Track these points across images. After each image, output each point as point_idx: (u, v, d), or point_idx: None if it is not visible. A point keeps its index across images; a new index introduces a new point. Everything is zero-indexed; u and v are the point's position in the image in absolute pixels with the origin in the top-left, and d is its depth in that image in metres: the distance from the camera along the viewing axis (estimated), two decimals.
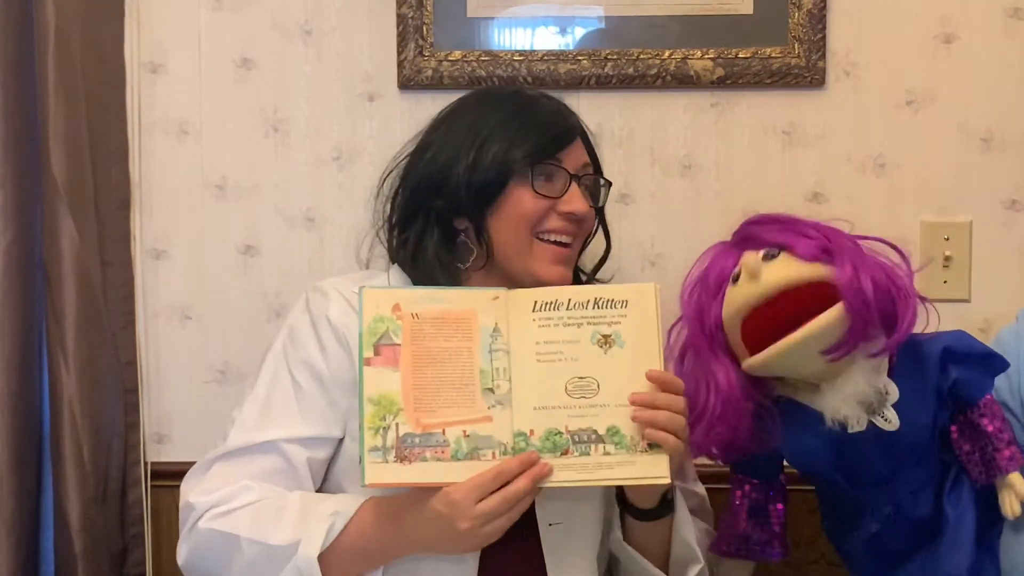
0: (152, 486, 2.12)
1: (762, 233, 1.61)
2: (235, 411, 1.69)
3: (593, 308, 1.56)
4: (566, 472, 1.52)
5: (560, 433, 1.53)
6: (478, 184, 1.66)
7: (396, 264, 1.75)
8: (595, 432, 1.53)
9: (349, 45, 2.10)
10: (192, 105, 2.12)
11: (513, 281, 1.65)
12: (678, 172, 2.08)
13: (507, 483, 1.49)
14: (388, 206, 1.76)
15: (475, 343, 1.54)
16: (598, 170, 1.76)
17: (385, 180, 1.77)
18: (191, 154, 2.12)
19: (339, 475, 1.68)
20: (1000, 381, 1.71)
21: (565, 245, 1.68)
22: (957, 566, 1.62)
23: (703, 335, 1.61)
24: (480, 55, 2.07)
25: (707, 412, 1.59)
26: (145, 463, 2.12)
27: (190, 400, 2.14)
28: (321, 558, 1.54)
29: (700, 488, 1.82)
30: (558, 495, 1.61)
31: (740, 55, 2.04)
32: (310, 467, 1.65)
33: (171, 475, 2.09)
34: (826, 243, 1.57)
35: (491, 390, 1.53)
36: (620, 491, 1.65)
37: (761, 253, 1.58)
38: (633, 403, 1.53)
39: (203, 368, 2.14)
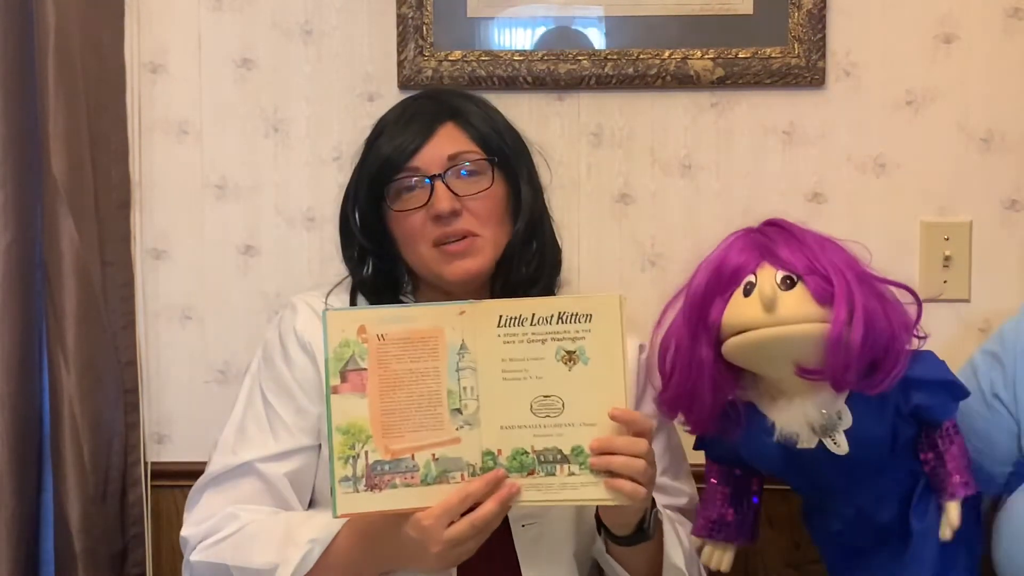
0: (152, 486, 2.12)
1: (781, 250, 1.61)
2: (218, 433, 1.74)
3: (557, 323, 1.52)
4: (532, 492, 1.52)
5: (526, 453, 1.51)
6: (363, 221, 1.71)
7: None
8: (560, 452, 1.51)
9: (349, 45, 2.10)
10: (192, 105, 2.12)
11: (445, 291, 1.68)
12: (678, 172, 2.08)
13: (476, 505, 1.50)
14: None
15: (442, 362, 1.52)
16: (491, 149, 1.69)
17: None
18: (191, 154, 2.12)
19: (324, 483, 1.70)
20: (994, 373, 1.72)
21: (457, 242, 1.66)
22: None
23: (698, 319, 1.62)
24: (480, 55, 2.07)
25: (681, 379, 1.63)
26: (145, 463, 2.12)
27: (190, 400, 2.14)
28: None
29: (690, 486, 1.82)
30: None
31: (740, 55, 2.04)
32: (290, 481, 1.68)
33: (171, 475, 2.10)
34: (831, 286, 1.58)
35: (459, 410, 1.52)
36: (596, 510, 1.64)
37: (779, 277, 1.59)
38: (592, 449, 1.51)
39: (203, 368, 2.14)
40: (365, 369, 1.51)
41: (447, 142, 1.67)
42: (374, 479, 1.50)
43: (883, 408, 1.62)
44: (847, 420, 1.62)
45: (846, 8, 2.04)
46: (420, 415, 1.51)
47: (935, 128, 2.04)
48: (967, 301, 2.05)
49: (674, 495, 1.78)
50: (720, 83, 2.05)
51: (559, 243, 1.79)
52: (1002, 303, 2.02)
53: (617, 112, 2.08)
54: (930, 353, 1.68)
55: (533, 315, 1.53)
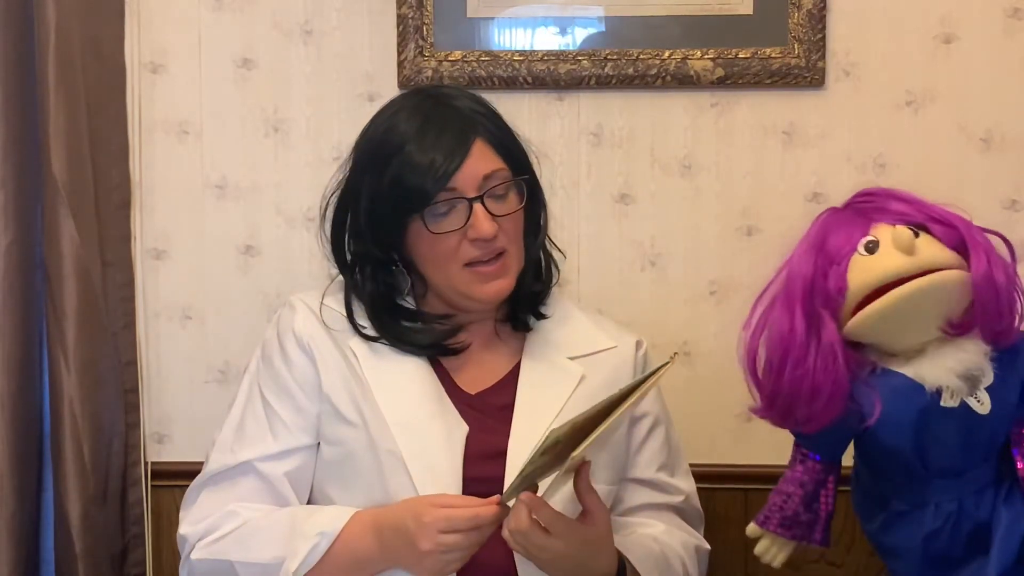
0: (152, 486, 2.13)
1: (892, 206, 1.57)
2: (216, 432, 1.73)
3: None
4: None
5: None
6: (379, 227, 1.66)
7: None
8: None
9: (349, 45, 2.10)
10: (192, 105, 2.12)
11: (455, 304, 1.67)
12: (678, 172, 2.08)
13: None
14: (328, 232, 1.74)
15: None
16: (516, 164, 1.66)
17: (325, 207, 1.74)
18: (191, 154, 2.12)
19: (322, 483, 1.70)
20: None
21: (491, 262, 1.64)
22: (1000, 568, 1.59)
23: (813, 299, 1.55)
24: (480, 55, 2.07)
25: (799, 375, 1.54)
26: (145, 463, 2.12)
27: (190, 400, 2.14)
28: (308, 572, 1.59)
29: (687, 484, 1.81)
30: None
31: (740, 55, 2.04)
32: (289, 481, 1.68)
33: (171, 475, 2.10)
34: (960, 233, 1.54)
35: None
36: None
37: (907, 228, 1.53)
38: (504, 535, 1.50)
39: (203, 368, 2.14)
40: None
41: (480, 162, 1.62)
42: None
43: (1014, 378, 1.58)
44: (989, 377, 1.56)
45: (846, 8, 2.04)
46: None
47: (935, 128, 2.04)
48: None
49: (670, 493, 1.77)
50: (720, 83, 2.05)
51: (559, 252, 1.79)
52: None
53: (617, 112, 2.08)
54: None
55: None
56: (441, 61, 2.07)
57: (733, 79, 2.04)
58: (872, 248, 1.54)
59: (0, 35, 2.01)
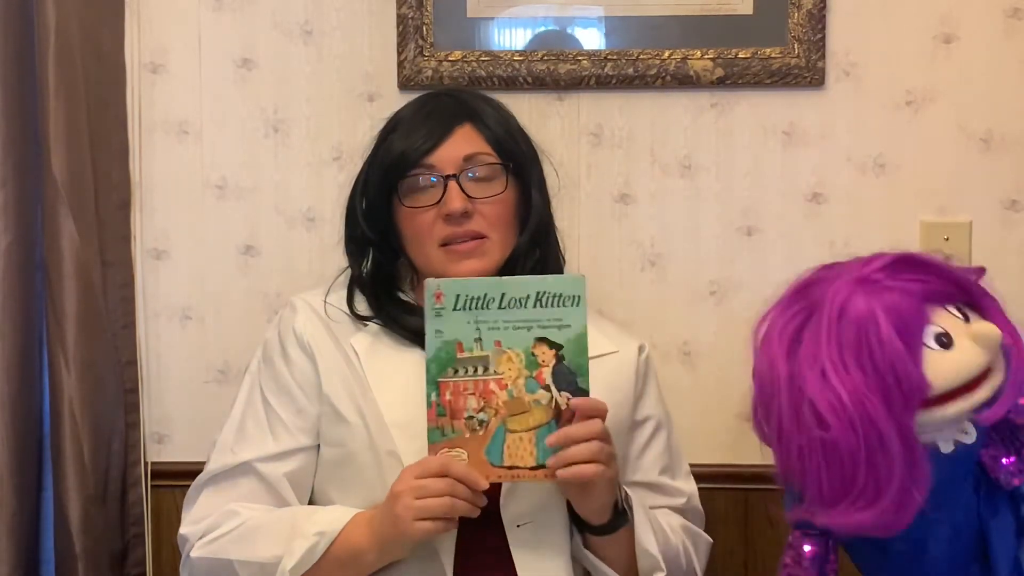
0: (152, 486, 2.12)
1: (946, 285, 1.49)
2: (218, 433, 1.74)
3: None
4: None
5: None
6: (370, 213, 1.72)
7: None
8: None
9: (349, 45, 2.10)
10: (192, 105, 2.12)
11: None
12: (678, 172, 2.08)
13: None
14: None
15: None
16: (505, 155, 1.70)
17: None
18: (191, 154, 2.12)
19: (323, 484, 1.70)
20: None
21: (465, 242, 1.67)
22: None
23: (896, 387, 1.39)
24: (480, 55, 2.07)
25: (874, 465, 1.40)
26: (145, 463, 2.12)
27: (190, 400, 2.14)
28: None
29: (688, 485, 1.82)
30: (521, 493, 1.62)
31: (740, 55, 2.04)
32: (289, 481, 1.68)
33: (171, 475, 2.10)
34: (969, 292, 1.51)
35: None
36: (569, 505, 1.64)
37: (958, 313, 1.48)
38: (550, 444, 1.52)
39: (203, 368, 2.14)
40: None
41: (463, 143, 1.68)
42: None
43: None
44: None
45: (846, 8, 2.04)
46: None
47: (935, 128, 2.04)
48: None
49: (673, 495, 1.78)
50: (720, 83, 2.05)
51: (562, 252, 1.80)
52: (1002, 303, 2.02)
53: (617, 112, 2.08)
54: None
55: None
56: (441, 61, 2.07)
57: (733, 79, 2.04)
58: (946, 343, 1.45)
59: (0, 35, 2.01)
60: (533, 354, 1.54)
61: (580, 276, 1.58)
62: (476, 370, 1.54)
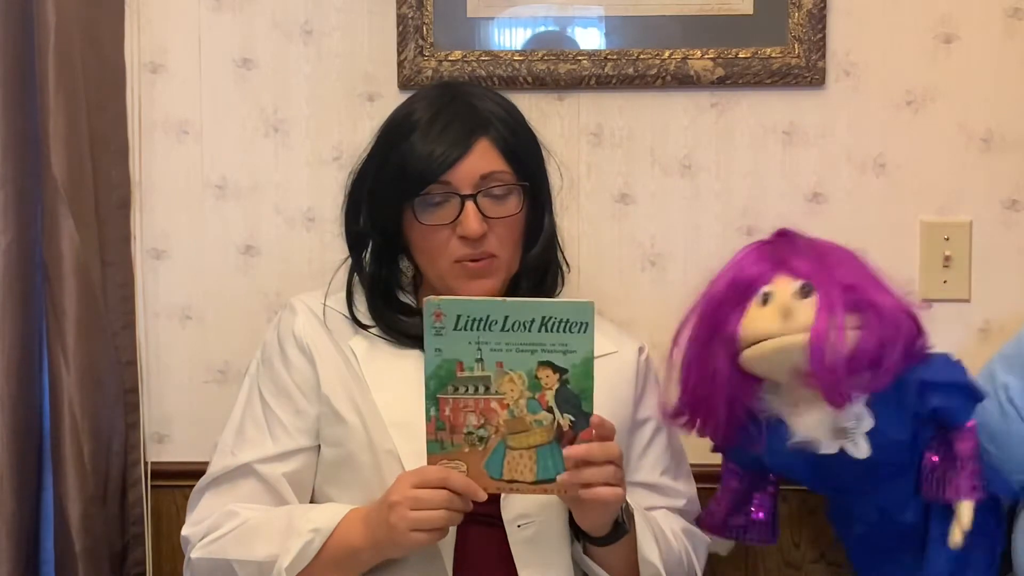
0: (152, 486, 2.12)
1: (795, 260, 1.65)
2: (218, 434, 1.74)
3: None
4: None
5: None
6: (377, 214, 1.70)
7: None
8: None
9: (349, 45, 2.10)
10: (192, 105, 2.12)
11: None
12: (678, 172, 2.08)
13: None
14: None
15: None
16: (522, 170, 1.68)
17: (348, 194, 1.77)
18: (191, 154, 2.12)
19: (323, 484, 1.71)
20: (1010, 379, 1.71)
21: (479, 260, 1.66)
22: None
23: (714, 330, 1.67)
24: (480, 55, 2.07)
25: (697, 390, 1.70)
26: (145, 463, 2.12)
27: (190, 400, 2.14)
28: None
29: (689, 487, 1.82)
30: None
31: (740, 55, 2.04)
32: (289, 482, 1.68)
33: (171, 475, 2.10)
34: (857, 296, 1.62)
35: None
36: (571, 516, 1.64)
37: (798, 286, 1.62)
38: (568, 457, 1.50)
39: (203, 368, 2.14)
40: None
41: (480, 160, 1.64)
42: None
43: (902, 411, 1.63)
44: (868, 423, 1.63)
45: (846, 8, 2.04)
46: None
47: (935, 128, 2.04)
48: (967, 301, 2.05)
49: (673, 496, 1.78)
50: (720, 83, 2.05)
51: (564, 256, 1.80)
52: (1002, 303, 2.02)
53: (617, 112, 2.08)
54: (945, 356, 1.68)
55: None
56: (441, 61, 2.07)
57: (733, 79, 2.04)
58: (766, 300, 1.64)
59: (0, 35, 2.01)
60: (536, 377, 1.50)
61: (588, 302, 1.50)
62: (477, 389, 1.51)
